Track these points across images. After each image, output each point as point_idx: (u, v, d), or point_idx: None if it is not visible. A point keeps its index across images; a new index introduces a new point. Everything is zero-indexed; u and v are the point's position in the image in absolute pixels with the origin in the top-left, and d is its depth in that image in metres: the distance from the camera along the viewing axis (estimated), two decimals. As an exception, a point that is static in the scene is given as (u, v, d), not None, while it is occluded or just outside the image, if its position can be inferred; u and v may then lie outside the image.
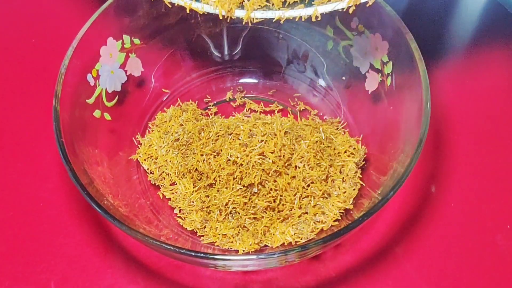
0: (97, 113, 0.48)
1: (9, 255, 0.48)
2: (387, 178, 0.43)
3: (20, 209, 0.50)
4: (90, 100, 0.47)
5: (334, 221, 0.46)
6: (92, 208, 0.38)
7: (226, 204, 0.45)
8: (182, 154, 0.49)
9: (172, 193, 0.49)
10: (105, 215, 0.38)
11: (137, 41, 0.51)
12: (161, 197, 0.49)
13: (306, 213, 0.46)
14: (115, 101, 0.50)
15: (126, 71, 0.51)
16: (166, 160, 0.49)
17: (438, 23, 0.62)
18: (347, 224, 0.39)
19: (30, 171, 0.52)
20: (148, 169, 0.50)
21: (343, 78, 0.52)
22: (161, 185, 0.49)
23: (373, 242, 0.48)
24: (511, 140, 0.54)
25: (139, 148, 0.51)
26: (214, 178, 0.46)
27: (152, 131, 0.53)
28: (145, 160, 0.50)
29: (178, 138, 0.50)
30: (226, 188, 0.46)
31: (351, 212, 0.46)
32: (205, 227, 0.46)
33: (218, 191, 0.46)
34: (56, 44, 0.60)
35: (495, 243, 0.48)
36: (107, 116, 0.49)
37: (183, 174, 0.48)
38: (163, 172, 0.50)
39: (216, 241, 0.45)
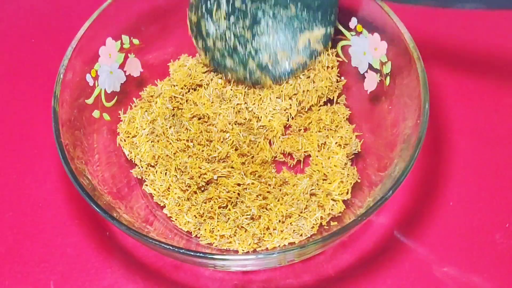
0: (96, 114, 0.48)
1: (9, 255, 0.48)
2: (386, 177, 0.43)
3: (19, 209, 0.50)
4: (89, 101, 0.47)
5: (333, 220, 0.46)
6: (91, 208, 0.38)
7: (220, 207, 0.45)
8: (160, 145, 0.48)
9: (156, 190, 0.48)
10: (104, 215, 0.38)
11: (136, 41, 0.51)
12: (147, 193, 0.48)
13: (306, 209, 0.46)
14: (114, 101, 0.50)
15: (125, 72, 0.51)
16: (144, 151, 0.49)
17: (438, 22, 0.62)
18: (346, 223, 0.39)
19: (29, 171, 0.52)
20: (128, 155, 0.49)
21: (342, 78, 0.52)
22: (146, 179, 0.49)
23: (372, 241, 0.48)
24: (510, 139, 0.54)
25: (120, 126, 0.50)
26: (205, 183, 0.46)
27: (135, 106, 0.51)
28: (124, 141, 0.50)
29: (153, 131, 0.49)
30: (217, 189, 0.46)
31: (350, 211, 0.46)
32: (199, 229, 0.46)
33: (213, 194, 0.46)
34: (56, 44, 0.60)
35: (495, 242, 0.48)
36: (106, 117, 0.49)
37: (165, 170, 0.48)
38: (147, 164, 0.49)
39: (214, 242, 0.45)
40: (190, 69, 0.52)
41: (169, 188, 0.47)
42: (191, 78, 0.52)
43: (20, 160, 0.53)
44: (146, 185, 0.48)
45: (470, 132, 0.54)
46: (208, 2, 0.48)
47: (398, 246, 0.48)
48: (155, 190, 0.47)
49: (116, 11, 0.48)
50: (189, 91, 0.52)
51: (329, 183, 0.47)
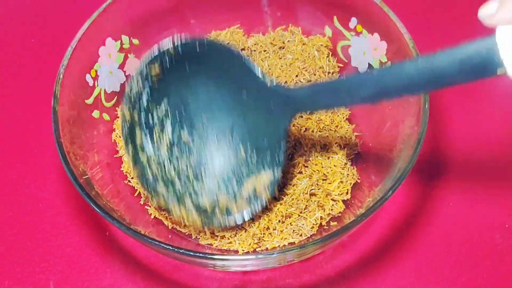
0: (96, 114, 0.48)
1: (9, 255, 0.48)
2: (385, 177, 0.43)
3: (19, 209, 0.50)
4: (89, 101, 0.47)
5: (333, 220, 0.46)
6: (91, 208, 0.38)
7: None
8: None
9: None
10: (104, 215, 0.38)
11: (135, 41, 0.51)
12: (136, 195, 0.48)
13: (305, 209, 0.46)
14: (114, 101, 0.50)
15: (125, 72, 0.51)
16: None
17: (437, 22, 0.62)
18: (346, 223, 0.39)
19: (29, 172, 0.52)
20: (122, 156, 0.49)
21: (342, 78, 0.52)
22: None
23: (372, 242, 0.48)
24: (510, 139, 0.54)
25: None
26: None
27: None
28: (120, 137, 0.49)
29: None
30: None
31: (350, 211, 0.46)
32: (199, 231, 0.46)
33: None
34: (55, 44, 0.60)
35: (494, 242, 0.48)
36: (106, 117, 0.49)
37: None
38: None
39: (214, 243, 0.45)
40: None
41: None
42: None
43: (20, 160, 0.53)
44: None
45: (470, 132, 0.54)
46: (150, 116, 0.41)
47: (398, 246, 0.48)
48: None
49: (116, 11, 0.48)
50: None
51: (329, 183, 0.47)
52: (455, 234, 0.49)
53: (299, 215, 0.45)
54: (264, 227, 0.45)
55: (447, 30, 0.62)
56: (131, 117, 0.41)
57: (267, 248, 0.44)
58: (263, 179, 0.41)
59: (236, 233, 0.45)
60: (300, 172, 0.47)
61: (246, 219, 0.42)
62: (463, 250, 0.48)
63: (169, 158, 0.42)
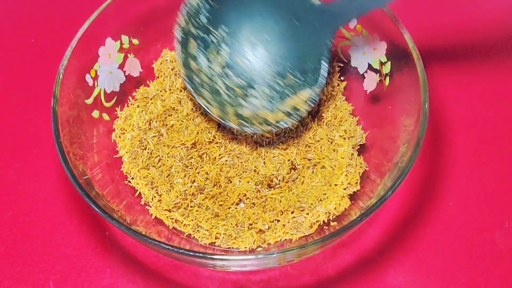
0: (95, 114, 0.48)
1: (8, 255, 0.48)
2: (385, 177, 0.43)
3: (18, 209, 0.50)
4: (89, 101, 0.47)
5: (333, 220, 0.46)
6: (91, 208, 0.38)
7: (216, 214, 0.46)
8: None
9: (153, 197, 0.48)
10: (104, 215, 0.38)
11: (135, 41, 0.51)
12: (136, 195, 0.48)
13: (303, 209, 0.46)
14: (113, 101, 0.50)
15: (124, 72, 0.51)
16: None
17: (436, 22, 0.62)
18: (346, 223, 0.39)
19: (28, 172, 0.52)
20: (122, 157, 0.49)
21: (341, 78, 0.52)
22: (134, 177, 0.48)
23: (372, 241, 0.48)
24: (510, 139, 0.54)
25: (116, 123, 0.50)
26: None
27: (132, 104, 0.51)
28: (119, 137, 0.49)
29: (145, 146, 0.49)
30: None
31: (350, 211, 0.46)
32: (199, 231, 0.46)
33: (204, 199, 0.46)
34: (55, 44, 0.60)
35: (494, 242, 0.48)
36: (106, 117, 0.49)
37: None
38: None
39: (215, 242, 0.45)
40: (172, 62, 0.52)
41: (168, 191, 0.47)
42: (175, 76, 0.51)
43: (19, 160, 0.53)
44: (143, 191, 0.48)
45: (470, 132, 0.54)
46: (207, 35, 0.43)
47: (398, 246, 0.48)
48: (153, 197, 0.47)
49: (116, 11, 0.48)
50: (181, 91, 0.52)
51: (337, 178, 0.46)
52: (455, 234, 0.49)
53: (302, 211, 0.45)
54: (270, 220, 0.45)
55: (447, 30, 0.62)
56: (186, 25, 0.43)
57: (266, 247, 0.44)
58: (304, 96, 0.44)
59: (238, 231, 0.45)
60: (308, 167, 0.47)
61: (282, 127, 0.45)
62: (463, 250, 0.48)
63: (221, 76, 0.45)
